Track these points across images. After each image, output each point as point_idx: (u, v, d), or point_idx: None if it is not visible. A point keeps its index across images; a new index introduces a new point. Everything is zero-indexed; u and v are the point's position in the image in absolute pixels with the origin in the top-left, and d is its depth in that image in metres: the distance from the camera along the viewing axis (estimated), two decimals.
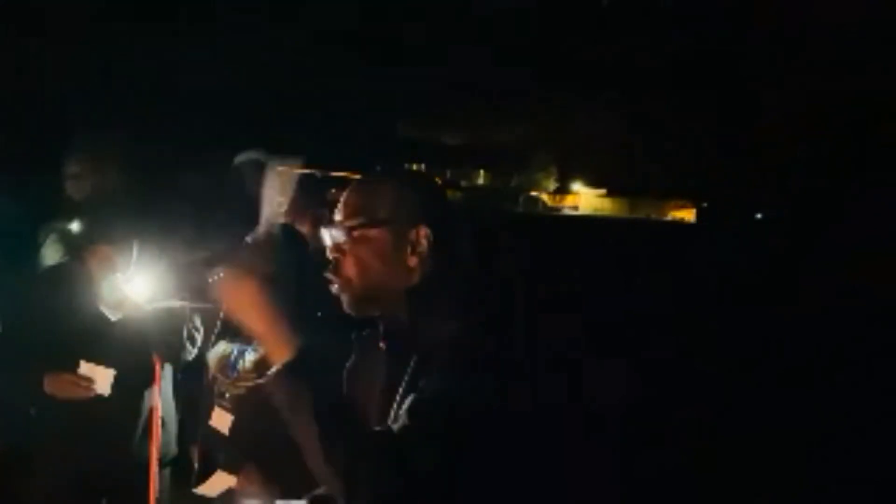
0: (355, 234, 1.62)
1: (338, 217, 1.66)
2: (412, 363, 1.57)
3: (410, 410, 1.46)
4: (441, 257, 1.61)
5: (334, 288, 1.65)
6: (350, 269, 1.63)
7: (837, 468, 5.08)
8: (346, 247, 1.63)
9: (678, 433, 5.58)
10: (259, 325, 1.57)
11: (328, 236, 1.66)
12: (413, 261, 1.60)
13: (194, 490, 2.91)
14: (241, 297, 1.59)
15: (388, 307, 1.63)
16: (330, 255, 1.65)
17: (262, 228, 1.95)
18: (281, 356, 1.52)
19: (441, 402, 1.45)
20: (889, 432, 5.53)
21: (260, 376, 2.81)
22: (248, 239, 2.35)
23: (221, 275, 1.62)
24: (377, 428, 1.51)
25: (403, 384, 1.56)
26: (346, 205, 1.66)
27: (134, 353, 2.95)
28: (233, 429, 2.82)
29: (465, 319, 1.56)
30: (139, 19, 13.68)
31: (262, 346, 1.60)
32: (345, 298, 1.64)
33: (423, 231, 1.60)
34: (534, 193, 46.42)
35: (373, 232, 1.61)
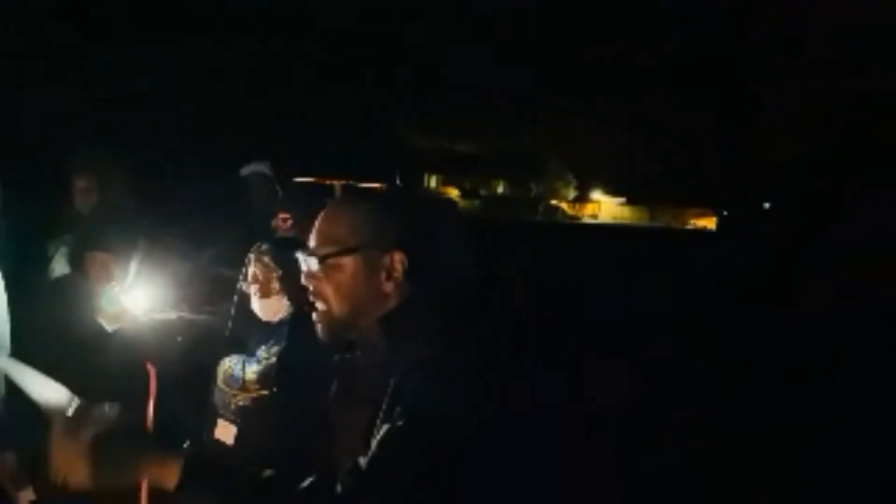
0: (328, 262, 1.58)
1: (311, 244, 1.62)
2: (389, 390, 1.52)
3: (381, 441, 1.43)
4: (419, 280, 1.57)
5: (313, 315, 1.62)
6: (325, 296, 1.59)
7: (837, 468, 5.07)
8: (320, 275, 1.59)
9: (678, 433, 5.60)
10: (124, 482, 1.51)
11: (303, 263, 1.62)
12: (389, 286, 1.57)
13: None
14: (80, 465, 1.52)
15: (365, 333, 1.59)
16: (305, 281, 1.62)
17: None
18: (170, 481, 1.48)
19: (414, 428, 1.41)
20: (889, 432, 5.53)
21: (264, 387, 2.87)
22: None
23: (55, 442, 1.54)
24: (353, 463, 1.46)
25: (381, 414, 1.51)
26: (317, 232, 1.62)
27: (130, 366, 2.98)
28: (237, 438, 2.86)
29: (448, 342, 1.53)
30: (140, 27, 13.71)
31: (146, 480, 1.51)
32: (320, 326, 1.61)
33: (398, 256, 1.56)
34: (553, 202, 46.16)
35: (345, 260, 1.57)
